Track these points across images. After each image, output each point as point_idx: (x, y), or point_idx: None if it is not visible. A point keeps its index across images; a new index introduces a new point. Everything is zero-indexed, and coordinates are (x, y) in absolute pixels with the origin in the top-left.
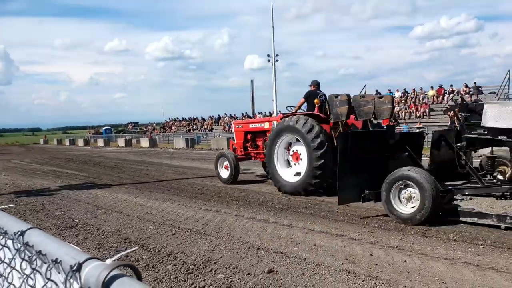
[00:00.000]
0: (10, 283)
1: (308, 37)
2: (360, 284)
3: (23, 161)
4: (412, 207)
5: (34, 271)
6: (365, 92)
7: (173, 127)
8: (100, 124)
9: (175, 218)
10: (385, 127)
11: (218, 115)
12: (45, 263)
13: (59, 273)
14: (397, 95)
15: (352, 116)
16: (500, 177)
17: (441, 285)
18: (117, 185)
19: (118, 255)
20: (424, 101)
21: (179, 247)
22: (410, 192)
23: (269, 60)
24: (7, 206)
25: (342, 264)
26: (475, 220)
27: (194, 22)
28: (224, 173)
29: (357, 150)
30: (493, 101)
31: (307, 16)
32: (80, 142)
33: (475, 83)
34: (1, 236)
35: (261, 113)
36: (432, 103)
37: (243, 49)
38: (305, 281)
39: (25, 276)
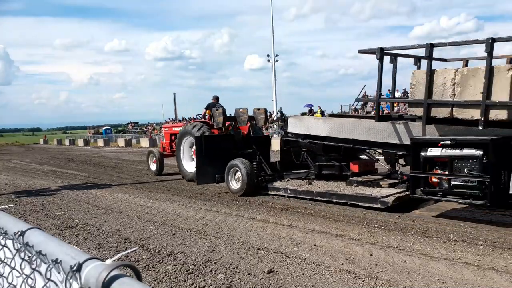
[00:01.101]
0: (10, 283)
1: (308, 37)
2: (360, 284)
3: (23, 161)
4: (239, 185)
5: (34, 271)
6: (365, 92)
7: None
8: (100, 124)
9: (175, 218)
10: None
11: None
12: (45, 263)
13: (59, 273)
14: (397, 95)
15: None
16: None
17: (441, 285)
18: (117, 185)
19: (118, 255)
20: None
21: (179, 247)
22: (238, 175)
23: (269, 60)
24: (7, 206)
25: (342, 264)
26: (274, 192)
27: (194, 22)
28: (153, 166)
29: (209, 148)
30: (293, 115)
31: (306, 16)
32: (80, 142)
33: None
34: (1, 236)
35: None
36: None
37: (243, 49)
38: (305, 281)
39: (25, 276)
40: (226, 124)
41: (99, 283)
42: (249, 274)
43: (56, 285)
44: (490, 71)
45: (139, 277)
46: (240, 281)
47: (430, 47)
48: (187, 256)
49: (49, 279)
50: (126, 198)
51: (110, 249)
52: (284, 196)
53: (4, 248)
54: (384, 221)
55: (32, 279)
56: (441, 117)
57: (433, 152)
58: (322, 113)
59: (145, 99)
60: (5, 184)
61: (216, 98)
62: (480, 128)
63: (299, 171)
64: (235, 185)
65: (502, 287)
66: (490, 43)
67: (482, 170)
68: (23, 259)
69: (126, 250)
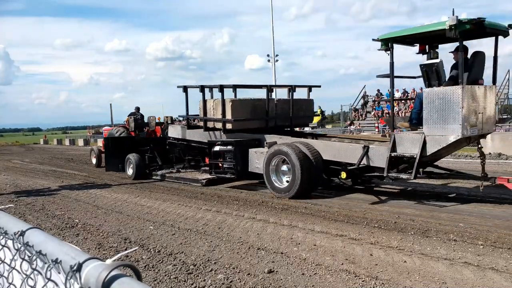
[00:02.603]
0: (10, 283)
1: (308, 37)
2: (360, 284)
3: (23, 161)
4: (131, 172)
5: (34, 271)
6: (365, 92)
7: None
8: (100, 124)
9: (175, 218)
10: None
11: None
12: (45, 263)
13: (59, 273)
14: (397, 95)
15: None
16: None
17: (441, 285)
18: (117, 185)
19: (118, 255)
20: None
21: (179, 247)
22: (132, 165)
23: (269, 60)
24: (7, 206)
25: (342, 264)
26: (155, 177)
27: (194, 22)
28: (94, 160)
29: (114, 146)
30: (171, 124)
31: (307, 16)
32: (80, 142)
33: None
34: (1, 236)
35: None
36: None
37: (243, 49)
38: (305, 281)
39: (25, 276)
40: (147, 128)
41: (99, 283)
42: (249, 274)
43: (57, 285)
44: (223, 102)
45: (139, 277)
46: (240, 281)
47: (202, 88)
48: (187, 256)
49: (49, 279)
50: (126, 198)
51: (110, 249)
52: (159, 180)
53: (4, 248)
54: (384, 221)
55: (32, 279)
56: (211, 127)
57: (216, 148)
58: (322, 113)
59: (146, 99)
60: (5, 184)
61: (137, 109)
62: (223, 134)
63: (182, 164)
64: (129, 172)
65: (502, 287)
66: (220, 89)
67: (234, 158)
68: (23, 259)
69: (126, 250)
